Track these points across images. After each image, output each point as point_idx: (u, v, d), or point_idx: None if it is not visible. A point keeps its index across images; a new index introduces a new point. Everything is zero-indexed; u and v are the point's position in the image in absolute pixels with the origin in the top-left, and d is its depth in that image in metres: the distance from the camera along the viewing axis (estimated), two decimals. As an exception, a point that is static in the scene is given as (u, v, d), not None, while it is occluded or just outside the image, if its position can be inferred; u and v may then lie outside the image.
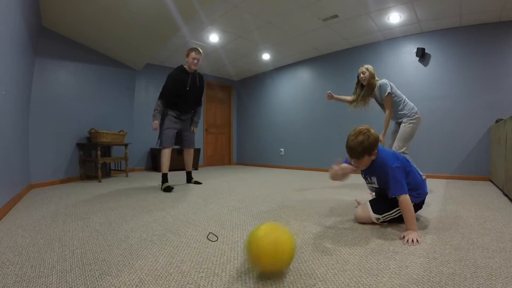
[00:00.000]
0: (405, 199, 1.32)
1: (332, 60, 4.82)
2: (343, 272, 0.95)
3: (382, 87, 2.46)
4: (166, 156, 2.89)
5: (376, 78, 2.58)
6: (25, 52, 2.42)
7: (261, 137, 6.12)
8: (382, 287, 0.84)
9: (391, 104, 2.46)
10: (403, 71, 4.03)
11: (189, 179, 3.25)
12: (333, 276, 0.92)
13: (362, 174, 1.58)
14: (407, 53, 3.98)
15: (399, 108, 2.49)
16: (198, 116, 3.15)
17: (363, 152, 1.36)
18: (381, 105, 2.62)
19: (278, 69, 5.73)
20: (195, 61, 2.85)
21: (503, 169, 2.34)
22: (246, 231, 1.43)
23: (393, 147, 2.51)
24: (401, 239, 1.25)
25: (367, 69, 2.59)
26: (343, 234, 1.36)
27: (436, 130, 3.65)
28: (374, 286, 0.85)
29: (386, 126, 2.52)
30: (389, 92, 2.42)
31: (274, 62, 5.40)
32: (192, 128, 3.12)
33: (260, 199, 2.29)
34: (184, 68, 2.90)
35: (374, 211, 1.49)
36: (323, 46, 4.57)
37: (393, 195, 1.35)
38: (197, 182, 3.23)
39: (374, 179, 1.49)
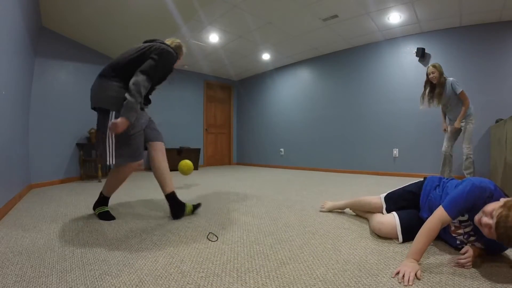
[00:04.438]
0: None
1: (332, 60, 4.82)
2: (343, 272, 0.95)
3: (454, 85, 2.69)
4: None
5: (444, 76, 2.77)
6: (25, 52, 2.42)
7: (261, 137, 6.12)
8: (382, 287, 0.84)
9: (467, 97, 2.69)
10: (403, 71, 4.03)
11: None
12: (333, 276, 0.92)
13: (465, 222, 1.07)
14: (407, 53, 3.98)
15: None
16: None
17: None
18: (446, 103, 2.85)
19: (278, 69, 5.73)
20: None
21: (503, 169, 2.34)
22: (246, 231, 1.43)
23: (464, 148, 2.74)
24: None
25: (434, 67, 2.73)
26: (343, 234, 1.36)
27: (436, 130, 3.64)
28: (374, 286, 0.85)
29: (464, 113, 2.72)
30: (462, 89, 2.68)
31: (274, 62, 5.40)
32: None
33: (260, 199, 2.29)
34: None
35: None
36: (323, 46, 4.57)
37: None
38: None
39: (478, 245, 1.05)
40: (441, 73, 2.72)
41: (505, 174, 2.26)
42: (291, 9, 3.29)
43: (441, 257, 1.06)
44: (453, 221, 1.08)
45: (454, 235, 1.10)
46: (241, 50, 4.68)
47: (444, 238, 1.18)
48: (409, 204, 1.32)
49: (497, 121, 2.99)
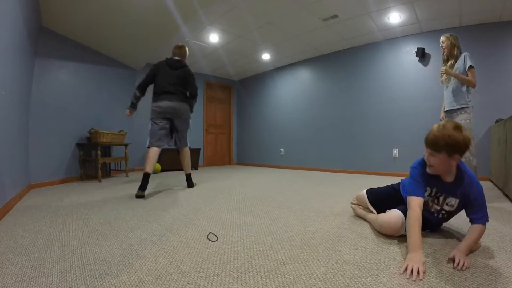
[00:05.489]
0: (484, 230, 1.10)
1: (332, 60, 4.83)
2: (343, 272, 0.95)
3: (466, 57, 2.16)
4: None
5: (460, 51, 2.26)
6: (25, 52, 2.42)
7: (261, 137, 6.12)
8: (382, 287, 0.84)
9: (475, 78, 2.15)
10: (403, 71, 4.03)
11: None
12: (333, 276, 0.92)
13: (432, 192, 1.24)
14: (407, 53, 3.98)
15: (468, 93, 2.19)
16: None
17: (445, 148, 1.07)
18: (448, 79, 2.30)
19: (278, 69, 5.73)
20: None
21: (503, 169, 2.34)
22: (246, 231, 1.43)
23: (465, 156, 2.10)
24: (450, 260, 1.00)
25: (446, 37, 2.27)
26: (343, 234, 1.36)
27: (436, 130, 3.65)
28: (374, 286, 0.85)
29: (464, 80, 2.15)
30: (474, 67, 2.13)
31: (274, 62, 5.40)
32: None
33: (260, 199, 2.29)
34: None
35: None
36: (323, 46, 4.57)
37: (484, 223, 1.10)
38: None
39: (453, 201, 1.19)
40: (453, 45, 2.23)
41: (505, 174, 2.26)
42: (291, 9, 3.29)
43: (440, 257, 1.06)
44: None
45: (432, 210, 1.26)
46: (241, 50, 4.68)
47: (426, 216, 1.26)
48: (393, 200, 1.45)
49: (497, 121, 2.99)
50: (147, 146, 2.63)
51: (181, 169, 3.48)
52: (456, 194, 1.17)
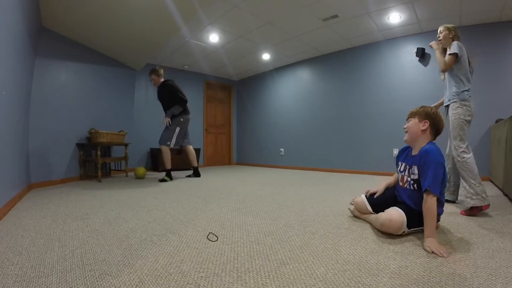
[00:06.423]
0: (433, 200, 1.20)
1: (332, 60, 4.82)
2: (343, 272, 0.95)
3: (453, 45, 1.91)
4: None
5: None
6: (25, 52, 2.42)
7: (261, 137, 6.12)
8: (382, 287, 0.84)
9: (451, 65, 1.95)
10: (403, 71, 4.03)
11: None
12: (333, 276, 0.92)
13: (402, 167, 1.48)
14: (407, 53, 3.98)
15: (457, 86, 1.99)
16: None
17: (417, 113, 1.42)
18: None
19: (278, 69, 5.73)
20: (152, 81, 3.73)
21: (503, 169, 2.34)
22: (246, 231, 1.43)
23: (452, 149, 1.94)
24: (426, 250, 1.12)
25: (445, 28, 2.01)
26: (343, 234, 1.36)
27: (436, 130, 3.64)
28: (374, 286, 0.85)
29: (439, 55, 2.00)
30: (456, 53, 1.88)
31: (274, 62, 5.40)
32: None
33: (260, 199, 2.29)
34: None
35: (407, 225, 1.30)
36: (323, 46, 4.57)
37: (426, 188, 1.21)
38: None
39: (415, 169, 1.36)
40: (451, 33, 1.99)
41: (505, 174, 2.26)
42: (291, 9, 3.29)
43: (441, 258, 1.06)
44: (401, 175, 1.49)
45: (405, 185, 1.43)
46: (241, 50, 4.68)
47: (401, 194, 1.46)
48: (392, 201, 1.50)
49: (497, 121, 2.99)
50: (169, 146, 3.63)
51: (180, 169, 3.58)
52: (417, 162, 1.35)
